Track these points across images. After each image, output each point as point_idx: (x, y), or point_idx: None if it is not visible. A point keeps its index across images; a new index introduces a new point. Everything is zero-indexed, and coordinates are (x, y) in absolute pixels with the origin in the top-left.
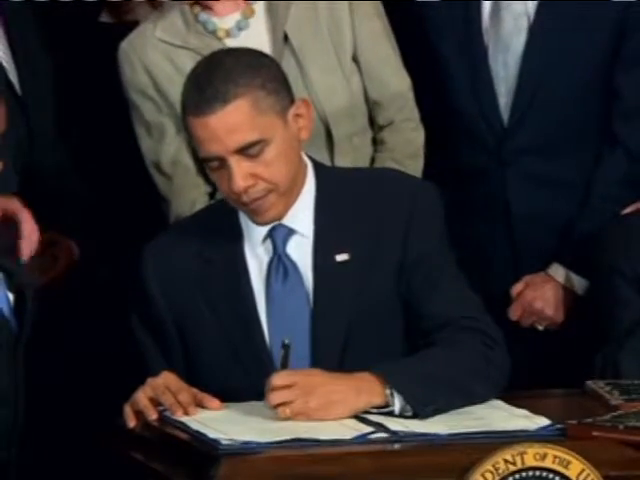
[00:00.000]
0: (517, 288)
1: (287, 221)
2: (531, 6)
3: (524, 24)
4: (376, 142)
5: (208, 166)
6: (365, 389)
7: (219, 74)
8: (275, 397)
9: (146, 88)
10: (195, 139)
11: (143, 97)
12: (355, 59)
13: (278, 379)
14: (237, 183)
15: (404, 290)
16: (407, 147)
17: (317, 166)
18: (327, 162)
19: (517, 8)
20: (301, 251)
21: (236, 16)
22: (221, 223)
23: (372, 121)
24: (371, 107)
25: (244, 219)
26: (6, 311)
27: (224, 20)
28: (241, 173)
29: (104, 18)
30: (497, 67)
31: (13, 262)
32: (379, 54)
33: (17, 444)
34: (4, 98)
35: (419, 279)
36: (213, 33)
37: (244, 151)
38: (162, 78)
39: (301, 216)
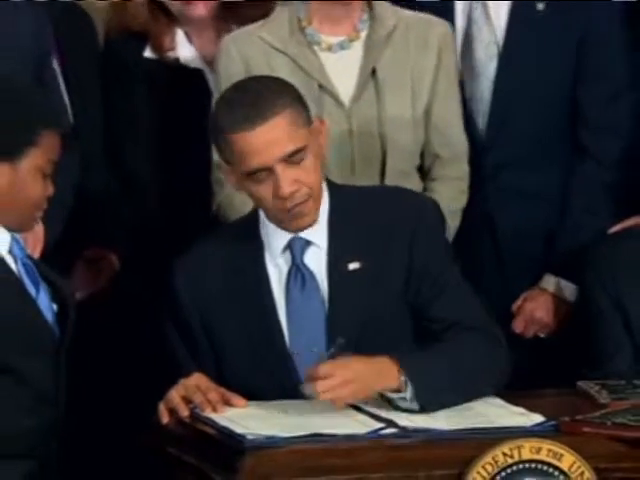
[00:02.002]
0: (517, 304)
1: (304, 233)
2: (499, 35)
3: (494, 51)
4: (425, 189)
5: (253, 179)
6: (384, 372)
7: (256, 93)
8: (319, 386)
9: (239, 77)
10: (240, 155)
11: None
12: (427, 111)
13: (321, 370)
14: (284, 188)
15: (412, 296)
16: (452, 203)
17: (330, 184)
18: None
19: (486, 37)
20: (317, 261)
21: (343, 36)
22: (244, 237)
23: (421, 170)
24: (430, 159)
25: (265, 232)
26: (50, 320)
27: (332, 37)
28: (287, 179)
29: (148, 53)
30: (472, 90)
31: (57, 276)
32: (451, 114)
33: (58, 440)
34: (60, 130)
35: (427, 286)
36: (316, 44)
37: (290, 158)
38: (256, 72)
39: (316, 228)
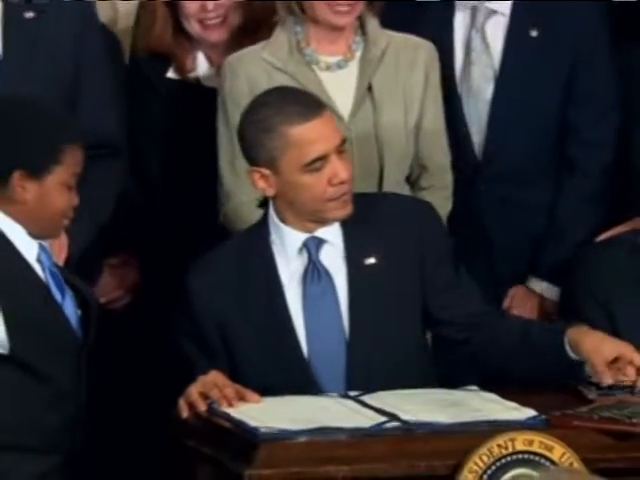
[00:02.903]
0: (506, 303)
1: (319, 233)
2: (496, 59)
3: (490, 74)
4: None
5: (310, 169)
6: None
7: (300, 93)
8: None
9: (242, 96)
10: (298, 147)
11: (235, 104)
12: (417, 125)
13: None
14: (342, 173)
15: (426, 286)
16: (439, 210)
17: None
18: None
19: (484, 61)
20: (331, 258)
21: (339, 56)
22: (255, 243)
23: (410, 180)
24: (418, 168)
25: (277, 237)
26: (74, 323)
27: (329, 57)
28: (343, 165)
29: (170, 74)
30: (469, 111)
31: (82, 282)
32: (437, 129)
33: (81, 436)
34: (83, 145)
35: (442, 276)
36: (315, 64)
37: (341, 146)
38: (258, 91)
39: (330, 228)
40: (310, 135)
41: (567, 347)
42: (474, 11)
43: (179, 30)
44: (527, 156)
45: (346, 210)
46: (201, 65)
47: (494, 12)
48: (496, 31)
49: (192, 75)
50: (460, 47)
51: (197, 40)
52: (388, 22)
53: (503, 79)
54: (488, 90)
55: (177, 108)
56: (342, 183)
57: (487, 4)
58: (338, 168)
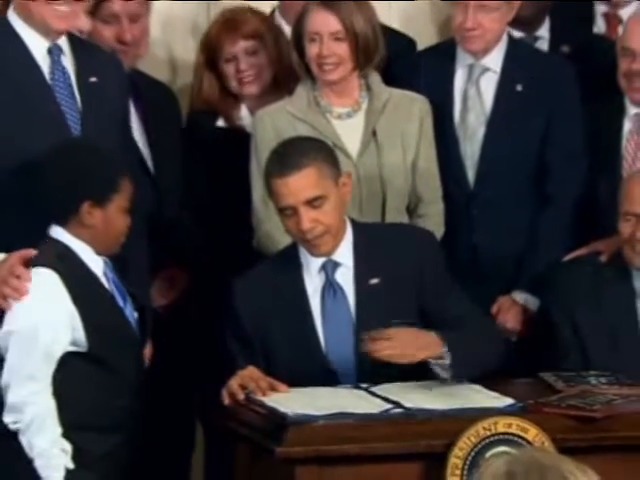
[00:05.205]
0: (494, 310)
1: (334, 257)
2: (487, 107)
3: (483, 120)
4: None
5: (284, 214)
6: (431, 344)
7: (295, 151)
8: (372, 345)
9: (270, 142)
10: (276, 195)
11: (266, 150)
12: (413, 164)
13: (379, 333)
14: (304, 225)
15: (424, 303)
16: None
17: (352, 221)
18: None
19: (478, 108)
20: (345, 278)
21: (348, 107)
22: (287, 263)
23: (408, 209)
24: (415, 200)
25: (304, 257)
26: (133, 324)
27: (340, 108)
28: (307, 218)
29: (220, 123)
30: (465, 149)
31: (137, 291)
32: (430, 168)
33: (140, 417)
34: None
35: (437, 293)
36: (328, 113)
37: (310, 203)
38: (284, 137)
39: (344, 253)
40: (280, 189)
41: None
42: (471, 68)
43: (224, 88)
44: (511, 188)
45: (318, 250)
46: (244, 115)
47: (487, 69)
48: (488, 85)
49: (238, 123)
50: (458, 97)
51: (239, 95)
52: (397, 77)
53: (493, 124)
54: (480, 133)
55: (225, 150)
56: (303, 233)
57: (482, 62)
58: (301, 220)
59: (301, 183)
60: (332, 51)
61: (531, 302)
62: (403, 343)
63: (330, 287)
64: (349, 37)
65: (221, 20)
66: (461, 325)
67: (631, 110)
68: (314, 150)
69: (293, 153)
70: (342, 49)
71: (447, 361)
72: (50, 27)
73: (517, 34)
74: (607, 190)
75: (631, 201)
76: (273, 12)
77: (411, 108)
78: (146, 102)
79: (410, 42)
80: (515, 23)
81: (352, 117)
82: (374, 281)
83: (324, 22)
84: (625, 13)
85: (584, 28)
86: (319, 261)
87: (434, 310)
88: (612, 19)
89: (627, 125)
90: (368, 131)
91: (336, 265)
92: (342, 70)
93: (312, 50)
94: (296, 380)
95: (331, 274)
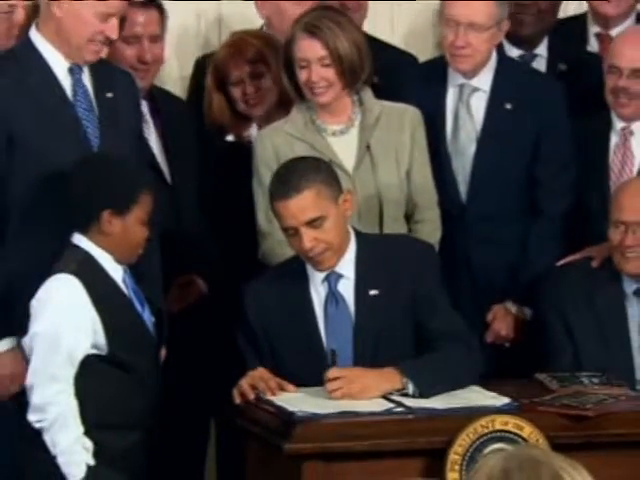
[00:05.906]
0: (489, 317)
1: (337, 269)
2: (478, 124)
3: (473, 137)
4: (410, 230)
5: (287, 233)
6: (390, 378)
7: (295, 174)
8: (331, 385)
9: (270, 161)
10: (279, 216)
11: (266, 167)
12: (408, 174)
13: (332, 373)
14: (305, 245)
15: (416, 314)
16: (431, 238)
17: (357, 233)
18: (377, 232)
19: (469, 126)
20: (346, 289)
21: (342, 125)
22: (294, 271)
23: (406, 217)
24: (411, 207)
25: (308, 268)
26: (150, 327)
27: (334, 126)
28: (308, 238)
29: (230, 137)
30: (457, 165)
31: (154, 296)
32: (424, 175)
33: (157, 415)
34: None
35: (426, 307)
36: (324, 131)
37: (310, 224)
38: (282, 157)
39: (347, 266)
40: (282, 211)
41: None
42: (461, 88)
43: (233, 108)
44: (502, 201)
45: (321, 266)
46: (253, 132)
47: (477, 89)
48: (478, 104)
49: (247, 138)
50: (450, 115)
51: (247, 115)
52: (394, 92)
53: (483, 141)
54: (471, 149)
55: (234, 163)
56: (305, 251)
57: (472, 82)
58: (302, 240)
59: (301, 205)
60: (320, 76)
61: (523, 311)
62: (363, 382)
63: (332, 297)
64: (334, 61)
65: (227, 44)
66: (445, 340)
67: (617, 125)
68: (313, 172)
69: (293, 176)
70: (329, 73)
71: (410, 390)
72: (84, 59)
73: (516, 52)
74: (597, 200)
75: (621, 210)
76: (261, 28)
77: (402, 119)
78: (164, 117)
79: (412, 59)
80: (515, 41)
81: (346, 133)
82: (373, 292)
83: (310, 49)
84: (616, 33)
85: (579, 47)
86: (322, 272)
87: (421, 321)
88: (604, 39)
89: (614, 139)
90: (362, 146)
91: (339, 277)
92: (332, 92)
93: (303, 76)
94: (303, 381)
95: (334, 285)
